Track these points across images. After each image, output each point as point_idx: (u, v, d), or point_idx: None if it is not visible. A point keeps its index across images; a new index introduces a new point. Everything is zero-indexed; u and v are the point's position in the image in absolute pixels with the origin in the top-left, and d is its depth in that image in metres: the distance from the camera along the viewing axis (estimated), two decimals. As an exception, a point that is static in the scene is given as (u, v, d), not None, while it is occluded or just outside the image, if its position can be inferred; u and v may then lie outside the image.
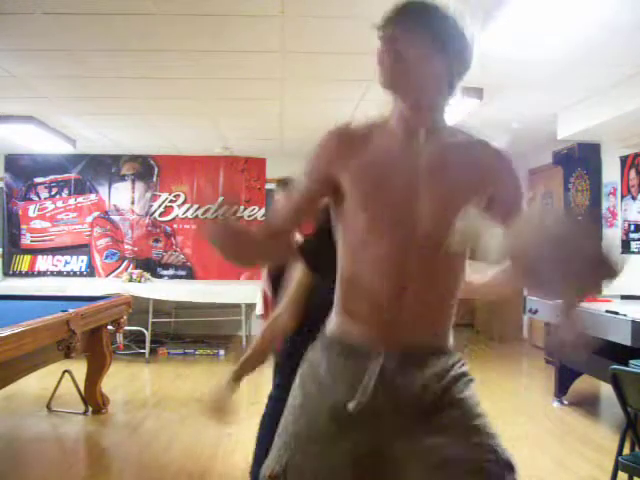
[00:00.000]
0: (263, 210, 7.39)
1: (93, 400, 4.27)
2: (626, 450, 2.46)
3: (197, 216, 7.40)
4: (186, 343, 6.91)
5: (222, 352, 6.64)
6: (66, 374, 4.29)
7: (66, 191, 7.37)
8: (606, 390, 4.63)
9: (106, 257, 7.35)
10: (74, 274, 7.29)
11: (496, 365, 5.98)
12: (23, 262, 7.31)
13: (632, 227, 5.15)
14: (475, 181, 1.28)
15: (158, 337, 6.81)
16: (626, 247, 5.22)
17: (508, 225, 1.11)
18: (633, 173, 5.14)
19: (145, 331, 6.39)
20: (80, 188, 7.37)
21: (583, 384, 4.73)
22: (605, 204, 5.60)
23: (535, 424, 4.06)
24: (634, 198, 5.12)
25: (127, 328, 5.16)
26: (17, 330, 2.82)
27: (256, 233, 1.41)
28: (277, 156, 7.12)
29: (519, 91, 4.35)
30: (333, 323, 1.34)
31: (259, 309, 6.27)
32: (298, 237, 1.61)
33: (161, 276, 7.28)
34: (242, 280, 7.19)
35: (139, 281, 6.70)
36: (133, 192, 7.41)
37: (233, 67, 3.92)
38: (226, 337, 7.08)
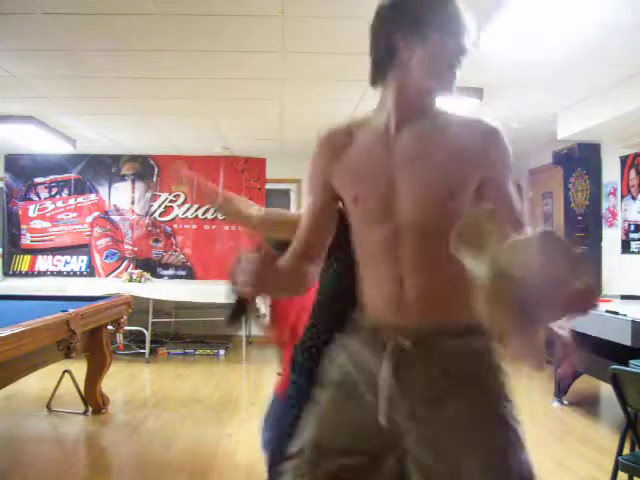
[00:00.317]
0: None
1: (93, 400, 4.27)
2: (626, 450, 2.46)
3: (197, 216, 7.40)
4: (186, 343, 6.91)
5: (222, 352, 6.64)
6: (66, 374, 4.29)
7: (66, 191, 7.37)
8: (606, 390, 4.63)
9: (106, 257, 7.35)
10: (74, 274, 7.29)
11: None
12: (23, 262, 7.31)
13: (632, 227, 5.16)
14: (462, 164, 1.25)
15: (158, 337, 6.81)
16: (626, 247, 5.22)
17: (500, 212, 1.12)
18: (633, 173, 5.14)
19: (145, 331, 6.39)
20: (80, 188, 7.37)
21: (583, 384, 4.73)
22: (605, 204, 5.60)
23: (535, 424, 4.05)
24: (634, 198, 5.12)
25: (127, 328, 5.17)
26: (17, 330, 2.82)
27: (286, 264, 1.37)
28: (277, 156, 7.12)
29: (519, 91, 4.35)
30: (358, 312, 1.38)
31: (259, 309, 6.29)
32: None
33: (161, 276, 7.28)
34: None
35: (139, 281, 6.70)
36: (133, 192, 7.41)
37: (233, 67, 3.92)
38: (226, 337, 7.08)
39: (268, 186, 7.30)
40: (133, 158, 7.37)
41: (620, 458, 2.37)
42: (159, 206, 7.41)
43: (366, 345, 1.31)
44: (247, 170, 7.39)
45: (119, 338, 5.93)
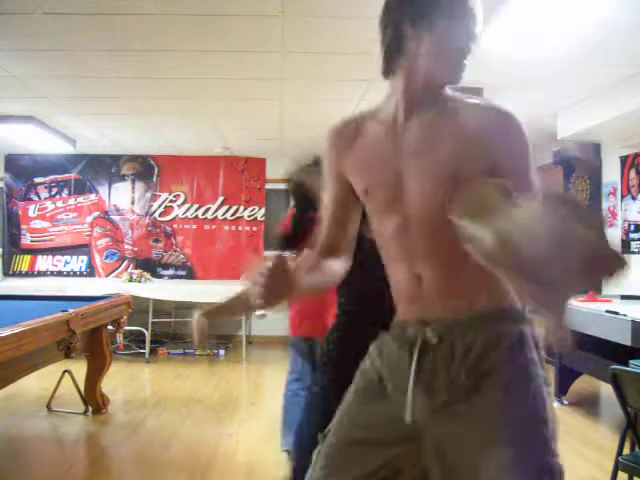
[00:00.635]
0: (263, 210, 7.38)
1: (93, 400, 4.27)
2: (626, 450, 2.46)
3: (197, 216, 7.40)
4: (186, 343, 6.91)
5: (222, 352, 6.64)
6: (66, 374, 4.29)
7: (66, 191, 7.37)
8: (606, 390, 4.63)
9: (106, 257, 7.35)
10: (74, 274, 7.29)
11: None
12: (23, 262, 7.31)
13: (632, 227, 5.15)
14: (471, 150, 1.19)
15: (158, 337, 6.81)
16: (626, 247, 5.22)
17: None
18: (633, 173, 5.14)
19: (145, 331, 6.39)
20: (80, 188, 7.37)
21: (583, 384, 4.73)
22: (605, 204, 5.60)
23: (535, 424, 4.05)
24: (634, 198, 5.12)
25: (127, 328, 5.17)
26: (17, 330, 2.81)
27: (310, 262, 1.38)
28: (277, 156, 7.12)
29: (519, 91, 4.35)
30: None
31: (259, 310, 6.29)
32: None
33: (161, 276, 7.28)
34: (242, 280, 7.18)
35: (139, 281, 6.70)
36: (133, 192, 7.41)
37: (233, 67, 3.92)
38: (226, 337, 7.08)
39: (268, 186, 7.29)
40: (133, 158, 7.37)
41: (620, 458, 2.37)
42: (159, 206, 7.41)
43: (395, 341, 1.31)
44: (247, 170, 7.39)
45: (119, 338, 5.94)
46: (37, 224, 7.33)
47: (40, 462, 3.44)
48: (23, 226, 7.32)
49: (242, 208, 7.40)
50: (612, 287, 5.00)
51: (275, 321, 7.04)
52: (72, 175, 7.34)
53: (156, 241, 7.40)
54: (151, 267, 7.25)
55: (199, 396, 4.88)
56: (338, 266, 1.39)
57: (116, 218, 7.38)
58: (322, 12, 3.04)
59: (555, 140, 5.27)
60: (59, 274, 7.27)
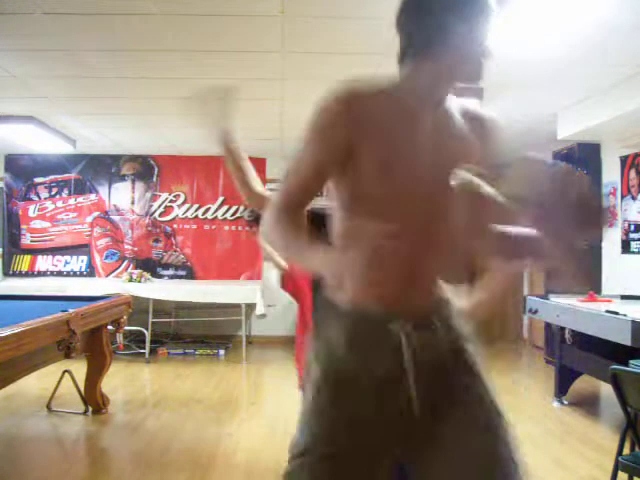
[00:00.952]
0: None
1: (93, 400, 4.27)
2: (626, 450, 2.46)
3: (197, 216, 7.40)
4: (186, 343, 6.91)
5: (222, 352, 6.64)
6: (66, 374, 4.29)
7: (66, 191, 7.37)
8: (606, 390, 4.63)
9: (106, 257, 7.35)
10: (74, 274, 7.29)
11: (496, 365, 5.98)
12: (23, 262, 7.31)
13: (632, 227, 5.16)
14: (471, 148, 1.31)
15: (158, 337, 6.81)
16: (626, 247, 5.22)
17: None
18: (633, 173, 5.14)
19: (145, 331, 6.39)
20: (80, 188, 7.37)
21: (583, 384, 4.73)
22: (605, 204, 5.60)
23: (535, 424, 4.05)
24: (634, 198, 5.12)
25: (127, 328, 5.16)
26: (17, 330, 2.82)
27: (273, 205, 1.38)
28: (277, 156, 7.12)
29: (519, 91, 4.35)
30: (345, 295, 1.28)
31: (259, 309, 6.29)
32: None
33: (161, 276, 7.28)
34: (242, 280, 7.20)
35: (139, 281, 6.70)
36: (133, 192, 7.41)
37: (233, 67, 3.92)
38: (226, 337, 7.08)
39: (268, 186, 7.28)
40: (133, 158, 7.37)
41: (620, 458, 2.37)
42: (159, 206, 7.41)
43: (372, 336, 1.25)
44: (247, 170, 7.38)
45: (119, 338, 5.92)
46: (37, 224, 7.33)
47: (40, 462, 3.44)
48: (23, 226, 7.32)
49: (242, 208, 7.40)
50: (611, 287, 5.00)
51: (275, 321, 7.09)
52: (72, 175, 7.34)
53: (156, 241, 7.40)
54: (151, 267, 7.25)
55: (199, 396, 4.89)
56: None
57: (116, 218, 7.38)
58: (322, 12, 3.04)
59: (555, 140, 5.27)
60: (59, 274, 7.26)
